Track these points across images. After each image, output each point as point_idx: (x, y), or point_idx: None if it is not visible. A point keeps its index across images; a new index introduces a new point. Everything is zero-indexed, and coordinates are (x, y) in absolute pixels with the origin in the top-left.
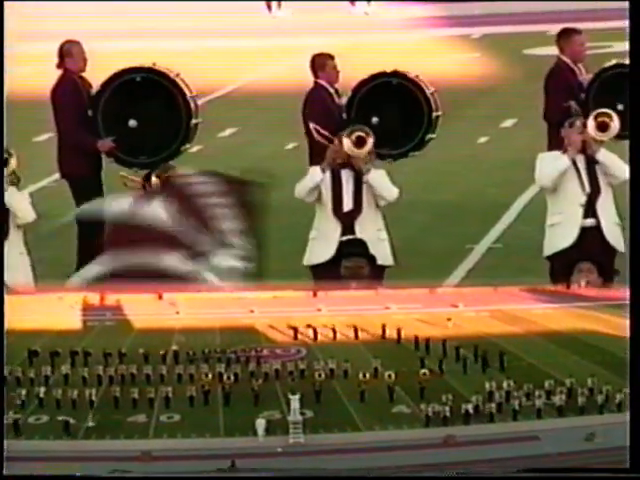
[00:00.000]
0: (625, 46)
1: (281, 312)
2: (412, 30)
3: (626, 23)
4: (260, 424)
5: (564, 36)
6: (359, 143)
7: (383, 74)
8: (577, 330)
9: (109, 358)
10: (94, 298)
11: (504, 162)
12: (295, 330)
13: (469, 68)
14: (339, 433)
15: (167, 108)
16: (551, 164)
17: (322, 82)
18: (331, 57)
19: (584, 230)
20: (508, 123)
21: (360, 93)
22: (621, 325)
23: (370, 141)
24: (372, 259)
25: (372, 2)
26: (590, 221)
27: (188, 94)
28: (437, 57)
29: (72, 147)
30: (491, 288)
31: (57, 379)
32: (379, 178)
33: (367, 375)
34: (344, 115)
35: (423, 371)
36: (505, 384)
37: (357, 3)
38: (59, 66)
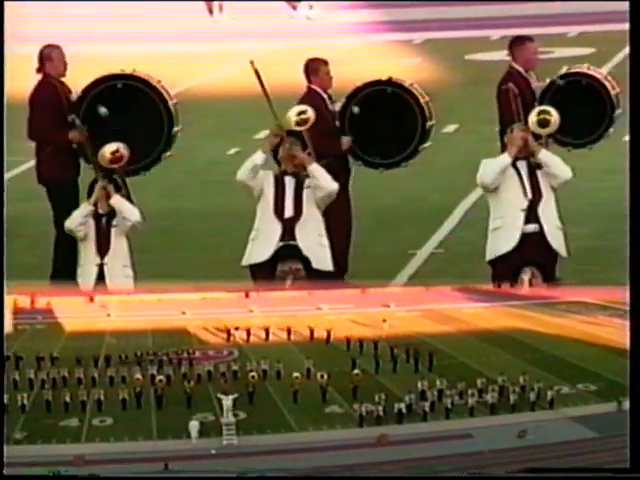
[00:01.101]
0: (567, 52)
1: (213, 314)
2: (354, 35)
3: (569, 29)
4: (193, 426)
5: (517, 43)
6: (302, 123)
7: (378, 82)
8: (508, 328)
9: (41, 362)
10: (24, 301)
11: (446, 167)
12: (228, 331)
13: (411, 73)
14: (273, 434)
15: (149, 115)
16: (493, 162)
17: (315, 87)
18: (325, 62)
19: (526, 234)
20: (450, 128)
21: (354, 101)
22: (551, 323)
23: (311, 121)
24: (308, 263)
25: (314, 5)
26: (533, 226)
27: (170, 101)
28: (379, 62)
29: (49, 149)
30: (423, 287)
31: None
32: (319, 168)
33: (300, 376)
34: (337, 122)
35: (356, 371)
36: (438, 383)
37: (299, 7)
38: (39, 70)
